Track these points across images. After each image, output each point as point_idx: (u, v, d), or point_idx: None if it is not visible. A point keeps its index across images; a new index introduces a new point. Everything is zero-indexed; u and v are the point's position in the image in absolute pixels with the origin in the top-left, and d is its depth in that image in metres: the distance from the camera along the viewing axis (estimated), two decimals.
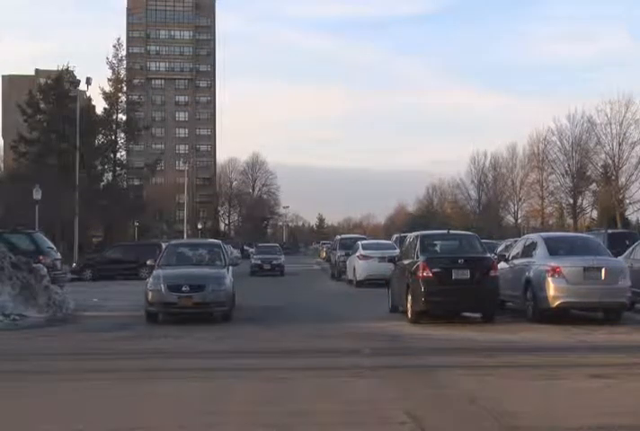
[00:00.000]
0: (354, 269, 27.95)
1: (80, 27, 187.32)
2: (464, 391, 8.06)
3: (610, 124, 65.99)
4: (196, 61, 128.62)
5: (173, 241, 20.90)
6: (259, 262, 39.22)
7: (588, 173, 71.38)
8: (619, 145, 66.03)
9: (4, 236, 21.29)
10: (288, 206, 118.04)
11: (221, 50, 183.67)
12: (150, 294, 15.22)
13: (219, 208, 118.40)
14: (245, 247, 71.31)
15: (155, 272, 16.02)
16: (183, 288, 15.04)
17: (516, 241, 20.07)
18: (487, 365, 9.85)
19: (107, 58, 72.42)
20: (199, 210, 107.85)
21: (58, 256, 23.23)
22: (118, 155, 71.38)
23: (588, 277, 14.63)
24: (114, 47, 73.51)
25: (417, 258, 15.26)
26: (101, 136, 68.00)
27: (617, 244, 20.95)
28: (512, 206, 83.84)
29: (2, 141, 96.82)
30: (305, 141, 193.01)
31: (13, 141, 65.06)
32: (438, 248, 16.34)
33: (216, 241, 20.22)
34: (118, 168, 71.17)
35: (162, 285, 15.16)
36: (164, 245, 37.56)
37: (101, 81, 70.49)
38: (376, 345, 11.75)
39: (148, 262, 17.94)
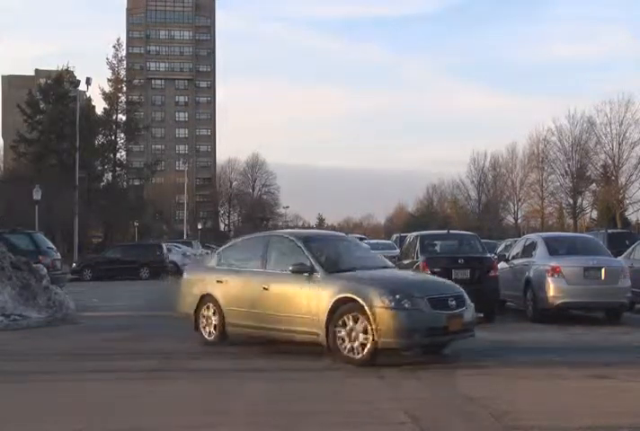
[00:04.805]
0: None
1: (80, 27, 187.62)
2: (464, 390, 8.06)
3: (610, 124, 66.26)
4: (196, 61, 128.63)
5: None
6: None
7: (588, 173, 71.50)
8: (619, 145, 66.22)
9: (4, 236, 21.24)
10: (288, 207, 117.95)
11: (221, 50, 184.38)
12: (400, 316, 9.30)
13: (219, 208, 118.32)
14: None
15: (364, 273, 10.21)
16: (450, 302, 9.78)
17: (516, 241, 20.07)
18: (487, 364, 9.83)
19: (107, 58, 73.01)
20: (199, 210, 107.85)
21: (58, 256, 23.20)
22: (118, 155, 71.69)
23: (588, 276, 14.64)
24: (114, 47, 74.07)
25: (417, 258, 15.26)
26: (101, 136, 68.21)
27: (617, 244, 20.99)
28: (512, 206, 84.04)
29: (2, 141, 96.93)
30: (305, 141, 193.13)
31: (13, 141, 65.20)
32: (438, 248, 16.35)
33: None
34: (118, 168, 71.36)
35: (419, 300, 9.49)
36: (164, 245, 37.58)
37: (101, 81, 71.03)
38: None
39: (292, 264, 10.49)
